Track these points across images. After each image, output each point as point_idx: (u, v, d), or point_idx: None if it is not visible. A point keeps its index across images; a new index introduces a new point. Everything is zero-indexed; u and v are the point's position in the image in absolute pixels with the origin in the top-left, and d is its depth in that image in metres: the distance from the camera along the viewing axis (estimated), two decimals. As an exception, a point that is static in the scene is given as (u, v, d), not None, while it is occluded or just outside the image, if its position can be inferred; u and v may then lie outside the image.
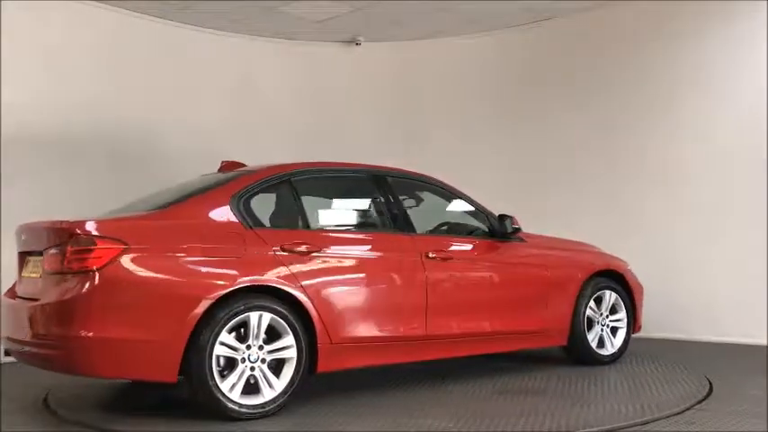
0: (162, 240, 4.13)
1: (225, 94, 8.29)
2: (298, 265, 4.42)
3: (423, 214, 5.56)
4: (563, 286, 5.64)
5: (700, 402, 4.47)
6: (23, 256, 4.62)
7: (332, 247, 4.67)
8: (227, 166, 5.20)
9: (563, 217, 7.55)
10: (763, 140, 6.79)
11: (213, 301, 4.06)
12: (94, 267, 3.90)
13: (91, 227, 4.03)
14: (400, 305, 4.85)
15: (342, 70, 8.87)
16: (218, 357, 4.05)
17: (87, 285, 3.89)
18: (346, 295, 4.63)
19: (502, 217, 5.48)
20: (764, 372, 5.37)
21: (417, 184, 5.55)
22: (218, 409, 4.04)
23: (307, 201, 4.90)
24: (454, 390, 4.96)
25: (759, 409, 4.25)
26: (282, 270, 4.36)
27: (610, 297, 5.88)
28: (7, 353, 4.50)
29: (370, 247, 4.94)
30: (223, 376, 4.07)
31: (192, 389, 4.07)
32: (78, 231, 4.00)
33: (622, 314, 5.96)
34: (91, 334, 3.85)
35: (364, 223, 5.30)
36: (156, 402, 4.72)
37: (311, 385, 4.63)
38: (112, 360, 3.92)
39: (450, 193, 5.56)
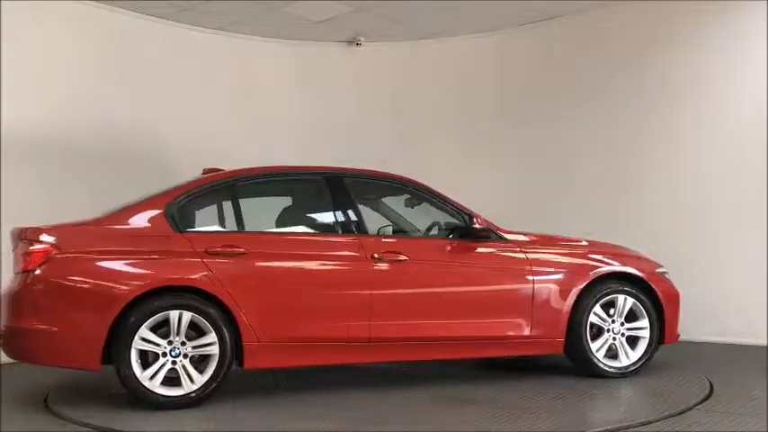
0: (91, 244, 4.54)
1: (226, 94, 8.28)
2: (222, 267, 4.60)
3: (394, 215, 5.52)
4: (553, 289, 5.21)
5: (700, 403, 4.46)
6: None
7: (262, 249, 4.77)
8: (208, 172, 5.27)
9: (565, 217, 7.52)
10: (764, 141, 6.79)
11: (130, 299, 4.39)
12: (30, 268, 4.42)
13: (30, 233, 4.52)
14: (338, 307, 4.82)
15: (342, 70, 8.86)
16: (140, 351, 4.40)
17: (23, 283, 4.44)
18: (276, 296, 4.71)
19: (471, 216, 5.21)
20: (765, 372, 5.35)
21: (384, 185, 5.49)
22: (138, 396, 4.41)
23: (248, 205, 5.05)
24: (392, 393, 4.90)
25: (760, 410, 4.24)
26: (204, 271, 4.55)
27: (624, 302, 5.32)
28: None
29: (305, 248, 4.96)
30: (146, 368, 4.41)
31: (118, 377, 4.45)
32: (20, 236, 4.56)
33: (644, 322, 5.34)
34: (23, 325, 4.42)
35: (305, 225, 5.35)
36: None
37: (260, 381, 4.85)
38: (42, 349, 4.44)
39: (423, 193, 5.37)
